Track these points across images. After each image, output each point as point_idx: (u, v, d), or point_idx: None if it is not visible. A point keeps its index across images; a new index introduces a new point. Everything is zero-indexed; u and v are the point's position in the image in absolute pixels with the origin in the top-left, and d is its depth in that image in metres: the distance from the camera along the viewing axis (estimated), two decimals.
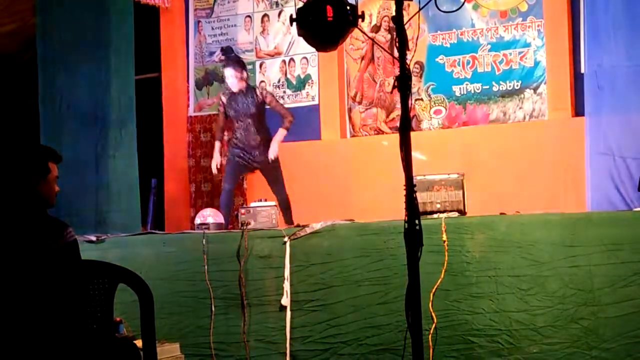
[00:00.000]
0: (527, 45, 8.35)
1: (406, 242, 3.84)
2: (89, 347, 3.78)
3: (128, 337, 4.83)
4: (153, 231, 6.93)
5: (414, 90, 8.55)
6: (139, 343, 4.17)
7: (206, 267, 5.96)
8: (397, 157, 3.93)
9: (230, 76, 7.58)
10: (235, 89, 7.61)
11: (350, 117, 9.25)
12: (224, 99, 7.76)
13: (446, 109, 8.72)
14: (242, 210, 6.48)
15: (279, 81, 9.56)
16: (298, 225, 6.05)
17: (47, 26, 7.91)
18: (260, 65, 9.67)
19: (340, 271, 5.65)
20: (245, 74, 7.63)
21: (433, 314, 5.27)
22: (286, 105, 8.31)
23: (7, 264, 3.67)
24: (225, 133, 8.32)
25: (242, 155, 7.71)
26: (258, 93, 7.63)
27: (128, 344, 4.41)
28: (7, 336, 3.63)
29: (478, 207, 6.01)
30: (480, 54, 8.54)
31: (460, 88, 8.64)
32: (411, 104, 3.87)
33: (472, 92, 8.58)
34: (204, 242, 6.02)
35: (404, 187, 3.89)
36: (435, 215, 5.63)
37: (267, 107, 7.71)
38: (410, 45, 4.10)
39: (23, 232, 3.71)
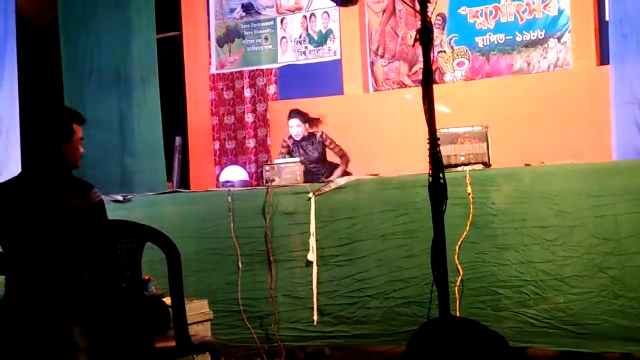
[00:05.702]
0: None
1: (431, 196, 3.85)
2: (119, 305, 3.83)
3: (157, 294, 4.88)
4: (178, 189, 6.96)
5: (436, 42, 8.46)
6: (167, 300, 4.21)
7: (232, 224, 6.00)
8: (421, 111, 3.91)
9: (296, 126, 7.73)
10: (299, 138, 7.78)
11: (372, 71, 9.20)
12: (289, 143, 7.85)
13: (469, 61, 8.65)
14: (267, 167, 6.50)
15: (300, 36, 9.50)
16: (322, 181, 6.04)
17: None
18: (282, 21, 9.62)
19: (366, 226, 5.66)
20: (307, 125, 7.78)
21: (459, 267, 5.28)
22: (308, 61, 8.27)
23: (34, 225, 3.71)
24: None
25: None
26: (318, 137, 7.76)
27: (157, 301, 4.46)
28: (37, 296, 3.69)
29: (502, 159, 5.98)
30: (503, 3, 8.44)
31: (483, 39, 8.56)
32: (433, 57, 3.84)
33: (495, 42, 8.50)
34: (229, 200, 6.05)
35: (428, 141, 3.88)
36: (459, 168, 5.62)
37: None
38: None
39: (49, 194, 3.74)
